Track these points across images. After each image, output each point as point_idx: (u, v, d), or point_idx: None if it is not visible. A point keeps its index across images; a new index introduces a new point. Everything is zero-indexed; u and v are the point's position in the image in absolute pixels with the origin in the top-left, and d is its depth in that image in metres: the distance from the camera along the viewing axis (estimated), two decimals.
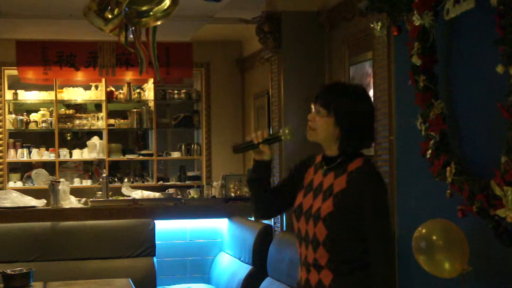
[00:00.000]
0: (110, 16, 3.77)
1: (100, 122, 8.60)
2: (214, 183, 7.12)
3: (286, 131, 2.68)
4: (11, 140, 8.40)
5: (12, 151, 8.34)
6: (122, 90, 8.67)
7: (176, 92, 8.84)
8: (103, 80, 8.48)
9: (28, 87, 8.51)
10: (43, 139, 9.03)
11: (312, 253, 2.61)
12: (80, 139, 9.19)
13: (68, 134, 9.02)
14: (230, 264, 5.98)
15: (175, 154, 8.83)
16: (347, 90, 2.69)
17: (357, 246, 2.56)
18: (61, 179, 6.82)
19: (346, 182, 2.57)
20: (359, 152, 2.65)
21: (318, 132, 2.63)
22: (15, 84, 8.49)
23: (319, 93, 2.66)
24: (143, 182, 8.65)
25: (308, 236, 2.63)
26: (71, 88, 8.55)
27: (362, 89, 2.75)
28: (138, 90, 8.71)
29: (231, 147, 2.79)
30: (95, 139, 8.57)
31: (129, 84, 8.61)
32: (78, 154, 8.52)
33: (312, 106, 2.67)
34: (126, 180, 8.53)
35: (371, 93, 4.68)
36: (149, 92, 8.71)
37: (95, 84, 8.59)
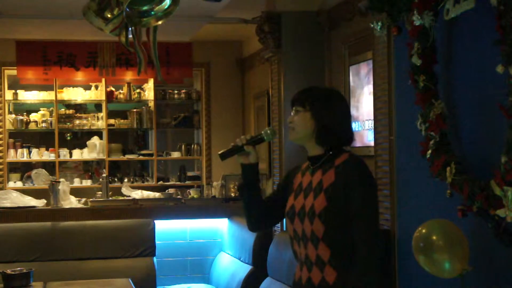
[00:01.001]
0: (110, 16, 3.76)
1: (100, 122, 8.60)
2: (214, 183, 7.12)
3: (268, 131, 2.81)
4: (11, 140, 8.40)
5: (12, 151, 8.34)
6: (122, 90, 8.66)
7: (176, 92, 8.84)
8: (103, 80, 8.48)
9: (28, 87, 8.51)
10: (43, 139, 9.03)
11: (314, 250, 2.62)
12: (80, 139, 9.19)
13: (68, 134, 9.02)
14: (230, 264, 5.98)
15: (175, 154, 8.82)
16: (319, 90, 2.82)
17: None
18: (61, 179, 6.82)
19: (335, 175, 2.62)
20: (342, 149, 2.71)
21: (297, 130, 2.73)
22: (15, 84, 8.49)
23: (294, 97, 2.81)
24: (143, 182, 8.64)
25: (305, 235, 2.64)
26: (71, 88, 8.55)
27: (334, 90, 2.92)
28: (138, 90, 8.71)
29: (218, 154, 2.84)
30: (95, 139, 8.56)
31: (129, 84, 8.61)
32: (78, 154, 8.52)
33: (292, 112, 2.77)
34: (126, 180, 8.53)
35: (370, 92, 4.68)
36: (149, 92, 8.71)
37: (95, 84, 8.59)
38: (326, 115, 2.68)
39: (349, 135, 2.75)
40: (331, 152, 2.68)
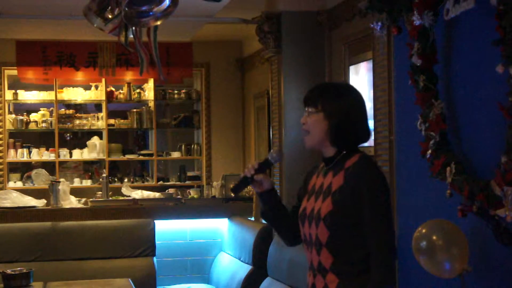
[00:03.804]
0: (110, 16, 3.77)
1: (100, 122, 8.60)
2: (214, 183, 7.12)
3: (274, 154, 2.72)
4: (11, 140, 8.40)
5: (12, 151, 8.34)
6: (122, 90, 8.66)
7: (176, 92, 8.84)
8: (103, 80, 8.48)
9: (28, 87, 8.51)
10: (43, 139, 9.03)
11: (317, 256, 2.56)
12: (80, 139, 9.19)
13: (68, 134, 9.02)
14: (230, 264, 5.98)
15: (175, 154, 8.82)
16: (332, 87, 2.70)
17: (361, 245, 2.48)
18: (61, 179, 6.81)
19: (344, 178, 2.52)
20: (356, 148, 2.60)
21: (312, 133, 2.61)
22: (15, 84, 8.49)
23: (306, 95, 2.67)
24: (143, 182, 8.64)
25: (311, 239, 2.58)
26: (71, 88, 8.55)
27: (348, 85, 2.80)
28: (138, 90, 8.71)
29: (230, 189, 2.77)
30: (95, 139, 8.56)
31: (129, 84, 8.61)
32: (78, 154, 8.52)
33: (305, 112, 2.66)
34: (126, 180, 8.53)
35: (371, 93, 4.68)
36: (149, 92, 8.71)
37: (95, 84, 8.59)
38: (340, 115, 2.56)
39: (365, 132, 2.63)
40: (343, 153, 2.58)
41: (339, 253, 2.51)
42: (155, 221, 6.12)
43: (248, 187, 2.82)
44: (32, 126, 8.45)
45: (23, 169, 8.70)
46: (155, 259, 6.08)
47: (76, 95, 8.56)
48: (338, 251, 2.51)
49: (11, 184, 8.25)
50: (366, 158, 2.58)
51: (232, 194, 2.83)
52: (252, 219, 6.17)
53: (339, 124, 2.56)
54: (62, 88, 8.49)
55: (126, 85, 8.61)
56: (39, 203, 6.26)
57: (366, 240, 2.48)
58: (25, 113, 8.54)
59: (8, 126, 8.33)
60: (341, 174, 2.55)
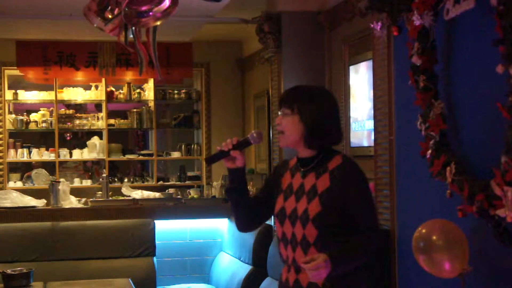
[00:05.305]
0: (110, 16, 3.77)
1: (100, 122, 8.61)
2: (214, 183, 7.12)
3: (255, 134, 2.74)
4: (11, 140, 8.40)
5: (12, 151, 8.34)
6: (122, 90, 8.67)
7: (176, 92, 8.84)
8: (103, 80, 8.48)
9: (28, 87, 8.51)
10: (43, 139, 9.03)
11: (303, 255, 2.62)
12: (80, 139, 9.19)
13: (68, 134, 9.02)
14: (230, 264, 5.98)
15: (175, 154, 8.82)
16: (308, 90, 2.76)
17: (346, 241, 2.60)
18: (61, 179, 6.81)
19: (330, 180, 2.62)
20: (332, 149, 2.71)
21: (287, 134, 2.70)
22: (15, 84, 8.49)
23: (282, 97, 2.75)
24: (143, 182, 8.64)
25: (295, 238, 2.64)
26: (71, 88, 8.55)
27: (323, 89, 2.92)
28: (138, 90, 8.71)
29: (204, 159, 2.81)
30: (95, 139, 8.56)
31: (129, 84, 8.61)
32: (78, 154, 8.52)
33: (279, 112, 2.74)
34: (126, 180, 8.53)
35: (371, 93, 4.68)
36: (149, 92, 8.71)
37: (95, 84, 8.59)
38: (314, 118, 2.66)
39: (338, 134, 2.75)
40: (322, 155, 2.68)
41: (326, 250, 2.57)
42: (155, 221, 6.12)
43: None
44: (32, 126, 8.45)
45: (23, 169, 8.70)
46: (155, 259, 6.08)
47: (76, 95, 8.56)
48: (325, 248, 2.58)
49: (11, 184, 8.25)
50: (348, 159, 2.71)
51: (206, 163, 2.89)
52: None
53: (314, 127, 2.65)
54: (62, 88, 8.50)
55: (126, 85, 8.62)
56: (39, 203, 6.25)
57: (351, 234, 2.61)
58: (25, 113, 8.54)
59: (8, 126, 8.33)
60: (325, 176, 2.64)
